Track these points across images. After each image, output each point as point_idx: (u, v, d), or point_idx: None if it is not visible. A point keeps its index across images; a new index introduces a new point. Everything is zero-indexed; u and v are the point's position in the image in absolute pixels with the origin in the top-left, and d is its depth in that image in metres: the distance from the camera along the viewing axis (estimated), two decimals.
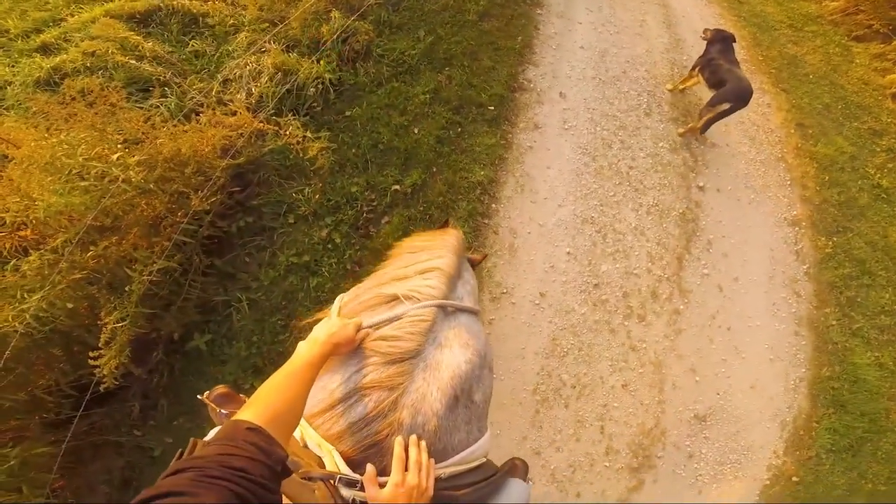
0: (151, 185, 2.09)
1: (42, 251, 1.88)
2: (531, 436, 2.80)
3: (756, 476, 3.10)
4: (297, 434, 0.97)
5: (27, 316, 1.75)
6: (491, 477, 1.08)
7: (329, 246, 2.94)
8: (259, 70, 3.32)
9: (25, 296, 1.81)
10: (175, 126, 2.43)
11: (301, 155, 3.00)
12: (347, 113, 3.41)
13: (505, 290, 3.10)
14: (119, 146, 2.06)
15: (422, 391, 0.99)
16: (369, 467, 0.88)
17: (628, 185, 3.72)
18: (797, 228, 4.02)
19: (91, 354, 1.89)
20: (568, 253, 3.31)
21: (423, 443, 0.94)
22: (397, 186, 3.22)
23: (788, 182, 4.28)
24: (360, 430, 0.94)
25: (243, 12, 3.76)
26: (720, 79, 3.96)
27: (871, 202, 4.40)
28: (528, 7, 4.55)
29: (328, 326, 1.00)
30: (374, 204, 3.15)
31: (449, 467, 0.99)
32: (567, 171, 3.67)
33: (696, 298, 3.40)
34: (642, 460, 2.92)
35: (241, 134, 2.73)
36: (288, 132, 3.01)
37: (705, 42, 4.19)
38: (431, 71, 3.77)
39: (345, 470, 0.88)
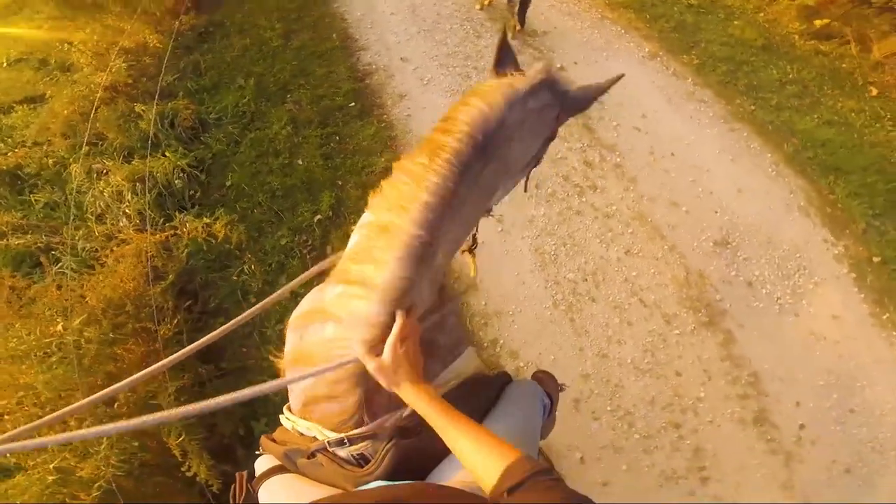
0: (111, 335, 2.17)
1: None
2: (584, 344, 2.77)
3: (835, 273, 3.03)
4: (289, 426, 1.05)
5: (113, 461, 1.91)
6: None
7: (298, 298, 2.79)
8: (118, 191, 3.06)
9: (97, 449, 1.92)
10: (89, 280, 2.46)
11: (214, 241, 2.84)
12: (228, 183, 3.23)
13: None
14: (57, 319, 2.16)
15: None
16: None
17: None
18: (658, 59, 4.41)
19: (182, 469, 2.07)
20: None
21: None
22: (318, 216, 3.13)
23: (622, 31, 4.71)
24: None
25: (52, 148, 3.46)
26: None
27: (696, 17, 4.95)
28: (323, 7, 4.58)
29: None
30: (310, 243, 3.04)
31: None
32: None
33: (623, 147, 3.59)
34: (707, 310, 2.86)
35: (150, 255, 2.63)
36: (187, 229, 2.84)
37: None
38: (275, 106, 3.67)
39: (331, 436, 0.93)
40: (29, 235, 2.93)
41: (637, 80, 4.15)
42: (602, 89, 1.01)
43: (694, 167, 3.51)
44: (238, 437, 2.46)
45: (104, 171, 3.15)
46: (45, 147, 3.49)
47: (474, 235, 1.26)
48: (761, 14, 5.18)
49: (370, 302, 0.79)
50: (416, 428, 0.90)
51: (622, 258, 3.06)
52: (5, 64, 5.00)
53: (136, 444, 2.07)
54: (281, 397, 2.50)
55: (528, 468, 0.64)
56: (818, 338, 2.84)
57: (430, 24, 4.43)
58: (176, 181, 3.12)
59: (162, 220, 2.95)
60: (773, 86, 4.20)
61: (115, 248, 2.67)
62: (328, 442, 0.93)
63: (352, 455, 0.93)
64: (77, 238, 2.90)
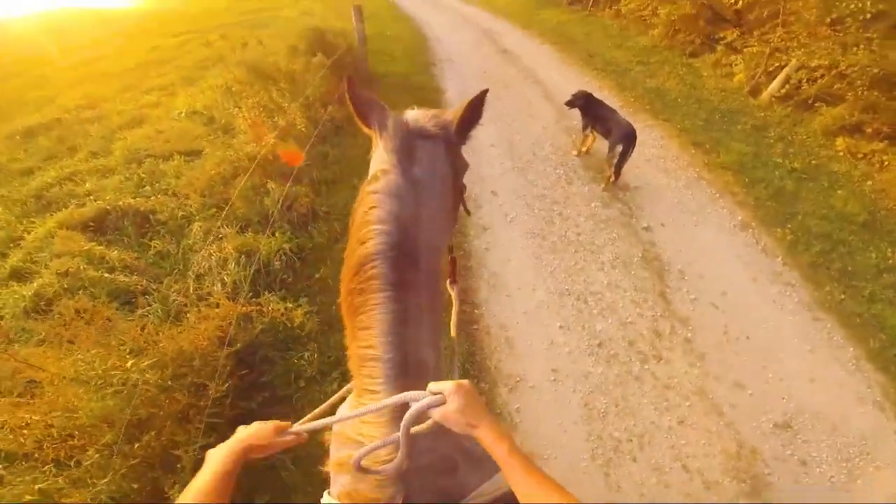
0: (169, 383, 2.33)
1: (97, 447, 2.08)
2: (614, 499, 2.66)
3: None
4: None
5: (103, 497, 1.95)
6: None
7: None
8: (224, 258, 3.48)
9: (95, 482, 1.99)
10: (169, 328, 2.67)
11: (289, 325, 3.11)
12: (317, 275, 3.57)
13: (519, 379, 3.15)
14: (127, 355, 2.34)
15: None
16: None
17: (584, 249, 4.03)
18: (750, 230, 4.35)
19: None
20: (560, 327, 3.45)
21: None
22: None
23: (717, 195, 4.77)
24: None
25: (188, 202, 4.03)
26: (607, 128, 4.58)
27: (797, 185, 4.90)
28: None
29: (246, 428, 0.98)
30: None
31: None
32: (526, 257, 3.94)
33: (697, 322, 3.53)
34: (752, 482, 2.73)
35: (230, 322, 2.88)
36: (270, 308, 3.15)
37: (576, 107, 4.85)
38: None
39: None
40: (134, 276, 3.37)
41: (724, 252, 4.11)
42: (472, 103, 0.97)
43: (768, 352, 3.36)
44: None
45: (220, 237, 3.64)
46: (182, 199, 4.10)
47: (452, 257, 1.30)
48: (869, 183, 4.97)
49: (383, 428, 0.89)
50: None
51: (674, 427, 2.95)
52: (184, 114, 6.04)
53: (136, 486, 2.10)
54: (293, 482, 2.56)
55: None
56: None
57: (524, 164, 4.78)
58: (275, 262, 3.51)
59: (251, 294, 3.28)
60: (869, 272, 3.95)
61: (203, 309, 2.96)
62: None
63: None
64: (173, 290, 3.28)
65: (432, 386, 0.84)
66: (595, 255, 4.00)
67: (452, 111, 1.01)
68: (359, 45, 6.80)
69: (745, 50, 8.15)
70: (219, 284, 3.35)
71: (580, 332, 3.42)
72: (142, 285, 3.31)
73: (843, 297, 3.75)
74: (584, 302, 3.63)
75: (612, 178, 4.56)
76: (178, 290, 3.29)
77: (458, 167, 1.04)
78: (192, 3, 17.69)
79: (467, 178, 3.69)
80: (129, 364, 2.30)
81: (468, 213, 1.31)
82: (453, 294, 1.34)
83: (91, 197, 4.28)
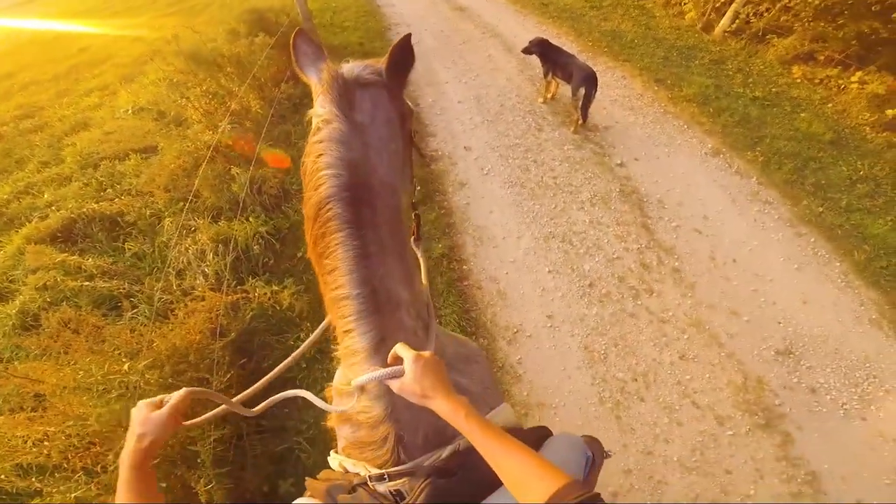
0: (170, 381, 2.30)
1: (116, 451, 2.09)
2: (629, 441, 2.68)
3: None
4: (335, 464, 1.10)
5: None
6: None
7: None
8: (201, 249, 3.36)
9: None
10: (159, 328, 2.65)
11: (278, 308, 3.04)
12: (298, 254, 3.48)
13: (516, 330, 3.16)
14: (123, 359, 2.33)
15: None
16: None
17: (562, 191, 4.04)
18: (721, 156, 4.41)
19: None
20: (549, 271, 3.47)
21: None
22: None
23: (685, 126, 4.81)
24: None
25: (154, 199, 3.89)
26: (567, 73, 4.55)
27: (761, 111, 4.98)
28: None
29: (138, 418, 0.89)
30: None
31: None
32: (507, 206, 3.93)
33: (683, 250, 3.57)
34: (765, 414, 2.74)
35: (218, 313, 2.82)
36: (257, 294, 3.07)
37: (534, 54, 4.82)
38: None
39: (373, 471, 0.98)
40: (114, 280, 3.28)
41: (699, 178, 4.17)
42: (397, 47, 0.96)
43: (756, 276, 3.40)
44: (262, 493, 2.52)
45: (193, 229, 3.50)
46: (147, 198, 3.94)
47: (417, 218, 1.33)
48: (829, 105, 5.13)
49: (362, 365, 0.91)
50: (452, 469, 0.95)
51: (675, 362, 2.97)
52: (130, 112, 5.75)
53: (164, 485, 2.12)
54: (312, 462, 2.62)
55: (578, 492, 0.62)
56: (887, 439, 2.64)
57: (494, 115, 4.73)
58: (254, 247, 3.40)
59: (235, 282, 3.19)
60: (842, 184, 4.05)
61: (189, 303, 2.90)
62: (369, 477, 0.99)
63: (389, 491, 0.97)
64: (156, 289, 3.17)
65: (399, 349, 0.88)
66: (574, 195, 4.01)
67: (380, 59, 1.01)
68: (304, 20, 6.49)
69: None
70: (201, 277, 3.27)
71: (570, 275, 3.45)
72: (124, 288, 3.22)
73: (821, 209, 3.84)
74: (570, 243, 3.65)
75: (580, 121, 4.56)
76: (161, 288, 3.19)
77: (404, 112, 1.04)
78: (115, 2, 16.63)
79: (439, 137, 3.65)
80: (125, 367, 2.28)
81: (423, 157, 1.36)
82: (418, 252, 1.34)
83: (53, 207, 4.10)
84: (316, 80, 1.00)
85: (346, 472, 1.07)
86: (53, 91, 7.76)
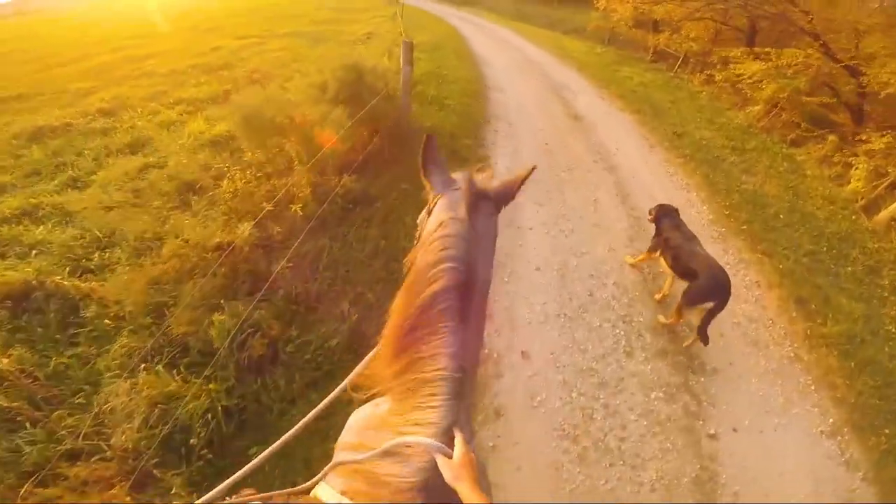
0: None
1: None
2: None
3: None
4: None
5: None
6: None
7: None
8: (131, 411, 2.59)
9: None
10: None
11: None
12: (251, 451, 2.58)
13: None
14: None
15: None
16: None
17: (622, 463, 2.83)
18: (839, 438, 3.17)
19: None
20: None
21: None
22: None
23: (812, 387, 3.51)
24: None
25: (126, 295, 3.16)
26: (687, 267, 3.43)
27: None
28: None
29: None
30: None
31: None
32: (543, 468, 2.75)
33: None
34: None
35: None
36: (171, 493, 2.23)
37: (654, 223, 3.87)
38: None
39: None
40: (21, 401, 2.60)
41: (801, 467, 2.96)
42: (522, 179, 1.26)
43: None
44: None
45: (140, 369, 2.75)
46: (113, 306, 3.16)
47: None
48: None
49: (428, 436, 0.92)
50: None
51: None
52: (185, 144, 5.38)
53: None
54: None
55: None
56: None
57: (576, 310, 3.58)
58: (198, 428, 2.56)
59: (155, 461, 2.39)
60: None
61: (92, 464, 2.31)
62: None
63: None
64: (63, 425, 2.51)
65: (458, 433, 0.93)
66: (635, 472, 2.81)
67: (503, 180, 1.25)
68: (403, 91, 5.83)
69: (863, 147, 6.85)
70: (120, 434, 2.48)
71: None
72: (29, 413, 2.56)
73: None
74: None
75: (676, 321, 3.52)
76: (70, 427, 2.52)
77: (497, 230, 1.24)
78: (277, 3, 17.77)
79: (496, 320, 3.31)
80: None
81: None
82: None
83: (32, 256, 3.64)
84: (440, 187, 1.25)
85: None
86: (153, 90, 7.74)
